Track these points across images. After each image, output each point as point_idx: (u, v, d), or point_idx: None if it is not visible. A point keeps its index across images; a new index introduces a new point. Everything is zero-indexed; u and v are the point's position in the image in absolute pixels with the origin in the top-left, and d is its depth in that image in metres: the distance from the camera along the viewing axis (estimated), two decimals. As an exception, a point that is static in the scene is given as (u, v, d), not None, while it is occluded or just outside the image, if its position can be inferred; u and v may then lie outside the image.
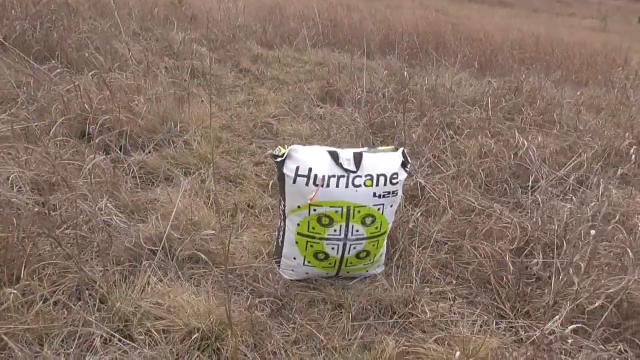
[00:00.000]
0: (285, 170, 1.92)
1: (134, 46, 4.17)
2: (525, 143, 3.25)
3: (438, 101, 4.14)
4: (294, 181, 1.90)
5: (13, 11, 4.01)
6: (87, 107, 2.77)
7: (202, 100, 3.82)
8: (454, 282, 2.11)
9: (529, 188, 2.95)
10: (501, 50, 6.98)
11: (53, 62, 3.24)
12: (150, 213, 2.17)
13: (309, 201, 1.84)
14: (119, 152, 2.66)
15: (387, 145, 2.14)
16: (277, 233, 2.12)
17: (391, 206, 2.01)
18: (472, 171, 2.98)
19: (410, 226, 2.32)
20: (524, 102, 4.24)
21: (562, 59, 6.82)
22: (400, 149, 2.01)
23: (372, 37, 6.78)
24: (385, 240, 2.09)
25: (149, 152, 2.76)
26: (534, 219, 2.49)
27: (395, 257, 2.21)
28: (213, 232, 2.06)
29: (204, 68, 4.59)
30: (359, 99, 3.74)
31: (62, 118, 2.57)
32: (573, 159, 3.26)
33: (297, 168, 1.90)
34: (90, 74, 3.03)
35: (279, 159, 1.92)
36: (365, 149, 2.04)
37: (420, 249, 2.26)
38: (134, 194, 2.33)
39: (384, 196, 1.95)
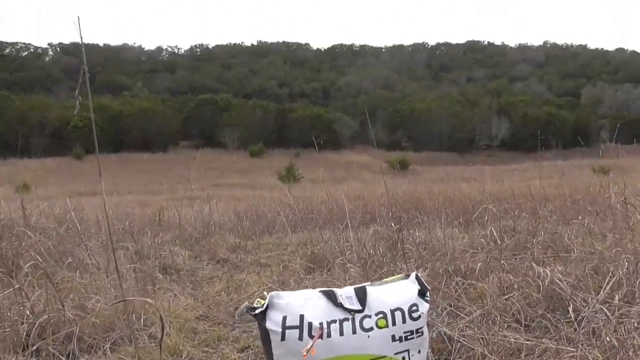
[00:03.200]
0: (268, 325, 1.42)
1: (97, 252, 3.81)
2: (548, 273, 2.84)
3: (435, 252, 3.78)
4: (283, 337, 1.40)
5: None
6: (28, 313, 2.29)
7: (175, 294, 3.36)
8: None
9: (574, 320, 2.44)
10: (482, 204, 6.88)
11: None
12: None
13: (304, 354, 1.31)
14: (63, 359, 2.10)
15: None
16: None
17: (419, 352, 1.48)
18: (499, 308, 2.48)
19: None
20: (527, 238, 3.92)
21: (545, 201, 6.72)
22: (413, 274, 1.56)
23: (352, 214, 6.64)
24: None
25: (103, 354, 2.20)
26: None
27: None
28: None
29: (176, 264, 4.21)
30: (349, 259, 3.34)
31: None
32: (607, 279, 2.82)
33: (285, 319, 1.41)
34: (35, 276, 2.60)
35: (257, 311, 1.43)
36: (368, 283, 1.59)
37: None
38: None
39: (406, 338, 1.44)
